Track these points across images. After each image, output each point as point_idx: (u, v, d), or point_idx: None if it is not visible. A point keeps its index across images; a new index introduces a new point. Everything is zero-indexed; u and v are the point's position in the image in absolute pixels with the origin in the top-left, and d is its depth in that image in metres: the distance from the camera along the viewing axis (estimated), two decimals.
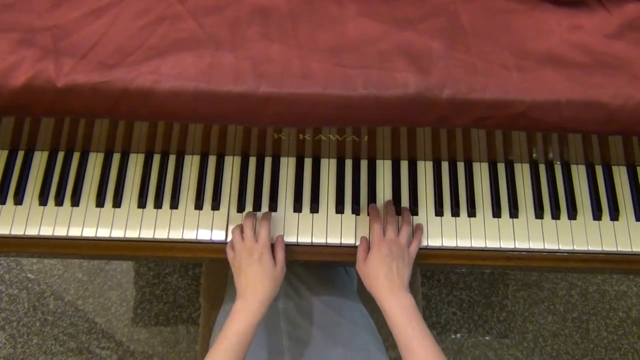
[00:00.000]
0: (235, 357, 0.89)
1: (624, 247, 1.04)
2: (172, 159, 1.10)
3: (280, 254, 0.99)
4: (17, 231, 1.04)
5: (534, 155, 1.08)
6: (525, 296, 1.87)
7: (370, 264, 0.96)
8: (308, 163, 1.10)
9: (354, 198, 1.07)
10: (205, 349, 1.29)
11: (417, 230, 1.04)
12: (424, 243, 1.04)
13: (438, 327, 1.82)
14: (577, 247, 1.04)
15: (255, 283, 0.94)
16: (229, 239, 1.04)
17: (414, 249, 1.01)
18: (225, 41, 0.88)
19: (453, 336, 1.82)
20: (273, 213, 1.06)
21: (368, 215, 1.05)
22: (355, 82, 0.85)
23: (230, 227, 1.05)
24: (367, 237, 1.03)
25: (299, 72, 0.86)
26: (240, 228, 1.01)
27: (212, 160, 1.10)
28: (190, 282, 1.86)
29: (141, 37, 0.87)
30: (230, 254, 1.00)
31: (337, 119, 0.89)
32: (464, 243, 1.04)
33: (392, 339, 0.92)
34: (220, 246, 1.05)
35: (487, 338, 1.82)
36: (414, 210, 1.06)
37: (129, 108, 0.86)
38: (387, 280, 0.93)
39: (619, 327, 1.84)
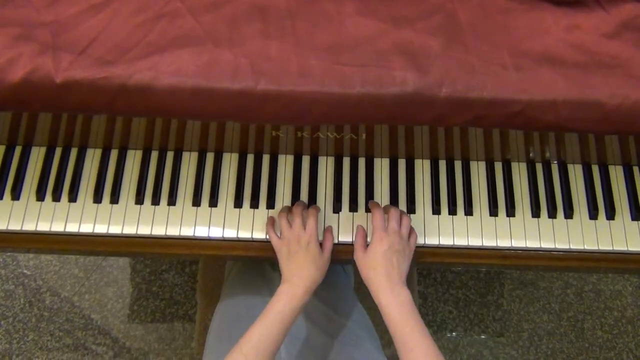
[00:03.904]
0: (276, 335, 0.88)
1: (619, 247, 1.04)
2: (170, 155, 1.10)
3: (329, 243, 1.00)
4: (14, 226, 1.04)
5: (531, 154, 1.09)
6: (521, 295, 1.87)
7: (370, 256, 0.95)
8: (306, 161, 1.10)
9: (352, 196, 1.07)
10: (202, 345, 1.29)
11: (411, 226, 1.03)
12: (421, 241, 1.04)
13: (434, 325, 1.83)
14: (573, 246, 1.04)
15: (301, 269, 0.95)
16: (226, 235, 1.04)
17: (413, 241, 1.00)
18: (223, 38, 0.88)
19: (449, 335, 1.82)
20: (270, 210, 1.06)
21: (367, 210, 1.06)
22: (353, 80, 0.85)
23: (228, 224, 1.05)
24: (364, 227, 1.03)
25: (297, 70, 0.86)
26: (286, 214, 1.01)
27: (210, 157, 1.10)
28: (186, 279, 1.86)
29: (140, 33, 0.87)
30: (274, 239, 1.00)
31: (335, 116, 0.89)
32: (460, 241, 1.05)
33: (389, 336, 0.92)
34: (218, 243, 1.05)
35: (482, 337, 1.82)
36: (410, 208, 1.07)
37: (127, 104, 0.86)
38: (385, 275, 0.92)
39: (614, 326, 1.85)
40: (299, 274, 0.94)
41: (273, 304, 0.92)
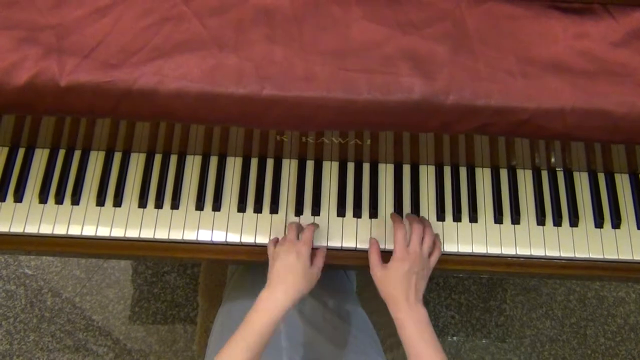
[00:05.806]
0: (257, 346, 0.87)
1: (625, 255, 1.04)
2: (173, 159, 1.09)
3: (320, 261, 0.98)
4: (17, 229, 1.03)
5: (536, 161, 1.08)
6: (523, 301, 1.86)
7: (390, 275, 0.94)
8: (310, 166, 1.09)
9: (356, 201, 1.07)
10: (203, 347, 1.29)
11: (436, 239, 1.01)
12: None
13: (436, 330, 1.80)
14: (578, 255, 1.04)
15: (286, 273, 0.92)
16: (229, 240, 1.04)
17: (434, 260, 0.99)
18: (229, 43, 0.88)
19: (451, 339, 1.82)
20: (273, 215, 1.05)
21: (370, 217, 1.05)
22: (359, 86, 0.84)
23: (231, 229, 1.05)
24: (376, 239, 1.01)
25: (302, 75, 0.85)
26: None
27: (213, 161, 1.09)
28: (188, 281, 1.86)
29: (145, 37, 0.87)
30: (270, 248, 0.99)
31: (341, 122, 0.88)
32: (465, 248, 1.04)
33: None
34: (221, 247, 1.05)
35: (484, 342, 1.82)
36: (415, 214, 1.06)
37: (131, 108, 0.86)
38: (403, 294, 0.91)
39: (616, 333, 1.84)
40: (283, 278, 0.92)
41: (252, 313, 0.89)
